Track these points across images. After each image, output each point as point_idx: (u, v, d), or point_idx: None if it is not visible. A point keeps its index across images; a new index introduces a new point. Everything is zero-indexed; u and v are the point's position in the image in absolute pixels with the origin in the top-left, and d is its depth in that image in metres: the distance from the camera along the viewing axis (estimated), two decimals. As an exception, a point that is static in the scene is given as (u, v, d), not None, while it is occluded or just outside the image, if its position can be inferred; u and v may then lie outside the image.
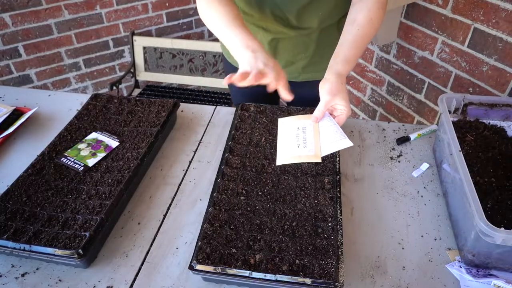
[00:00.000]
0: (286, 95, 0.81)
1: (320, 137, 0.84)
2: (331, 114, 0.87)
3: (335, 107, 0.83)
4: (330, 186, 0.80)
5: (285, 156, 0.84)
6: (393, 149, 1.00)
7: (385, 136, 1.04)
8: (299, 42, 1.02)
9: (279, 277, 0.64)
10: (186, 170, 0.94)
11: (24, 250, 0.68)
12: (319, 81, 1.12)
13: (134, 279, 0.71)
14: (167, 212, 0.84)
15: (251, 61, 0.77)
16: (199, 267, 0.66)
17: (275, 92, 1.26)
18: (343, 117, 0.83)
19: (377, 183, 0.90)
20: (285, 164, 0.84)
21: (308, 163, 0.85)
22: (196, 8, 2.37)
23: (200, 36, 2.51)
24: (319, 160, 0.81)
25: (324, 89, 0.81)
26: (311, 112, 0.99)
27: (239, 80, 0.74)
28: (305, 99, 1.18)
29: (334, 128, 0.84)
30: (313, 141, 0.84)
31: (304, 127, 0.87)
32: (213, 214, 0.74)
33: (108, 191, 0.79)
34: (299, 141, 0.85)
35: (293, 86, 1.17)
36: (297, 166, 0.85)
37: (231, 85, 1.26)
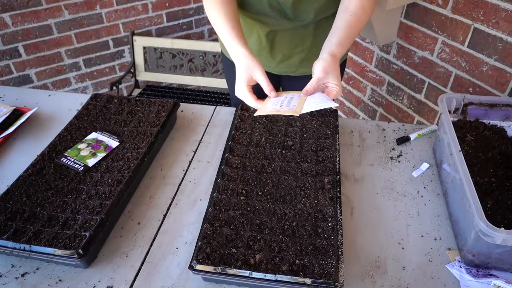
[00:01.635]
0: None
1: (305, 100, 0.83)
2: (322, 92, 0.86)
3: (327, 85, 0.84)
4: (330, 186, 0.80)
5: (265, 110, 0.84)
6: (393, 149, 1.00)
7: (385, 136, 1.04)
8: (296, 35, 1.03)
9: (279, 277, 0.64)
10: (186, 170, 0.94)
11: (24, 250, 0.68)
12: None
13: (134, 279, 0.71)
14: (167, 212, 0.84)
15: (243, 70, 0.85)
16: (199, 267, 0.66)
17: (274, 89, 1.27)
18: (334, 93, 0.83)
19: (377, 183, 0.90)
20: (292, 161, 0.84)
21: (308, 163, 0.85)
22: (196, 8, 2.38)
23: (200, 36, 2.51)
24: (297, 115, 0.80)
25: (318, 67, 0.82)
26: (315, 112, 1.00)
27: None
28: None
29: (321, 96, 0.83)
30: (296, 104, 0.83)
31: (291, 97, 0.86)
32: (213, 214, 0.74)
33: (108, 191, 0.79)
34: (283, 103, 0.84)
35: (289, 80, 1.18)
36: (297, 166, 0.85)
37: (230, 85, 1.27)
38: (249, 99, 0.85)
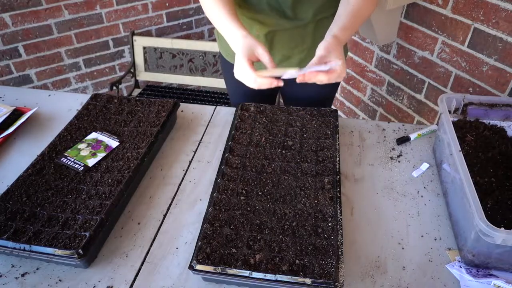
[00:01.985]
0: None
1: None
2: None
3: (330, 64, 0.80)
4: (330, 186, 0.80)
5: (266, 73, 0.81)
6: (393, 149, 1.00)
7: (385, 136, 1.04)
8: (295, 35, 1.03)
9: (279, 277, 0.64)
10: (186, 170, 0.94)
11: (24, 250, 0.68)
12: None
13: (134, 279, 0.71)
14: (167, 212, 0.84)
15: (245, 46, 0.82)
16: (199, 267, 0.66)
17: (273, 92, 1.27)
18: (338, 71, 0.79)
19: (377, 183, 0.90)
20: (292, 161, 0.84)
21: (308, 163, 0.85)
22: (196, 8, 2.38)
23: (200, 36, 2.51)
24: (298, 71, 0.78)
25: (320, 46, 0.82)
26: (315, 112, 1.00)
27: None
28: (302, 96, 1.18)
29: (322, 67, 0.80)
30: (295, 70, 0.81)
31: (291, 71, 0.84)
32: (213, 214, 0.74)
33: (108, 191, 0.79)
34: (281, 71, 0.82)
35: (289, 82, 1.18)
36: (297, 166, 0.85)
37: (229, 86, 1.26)
38: (251, 75, 0.79)
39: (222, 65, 1.25)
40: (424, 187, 0.89)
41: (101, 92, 2.12)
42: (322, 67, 0.79)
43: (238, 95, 1.23)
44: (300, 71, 0.80)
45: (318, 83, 0.81)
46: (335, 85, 1.21)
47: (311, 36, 1.04)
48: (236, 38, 0.84)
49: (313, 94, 1.16)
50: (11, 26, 1.93)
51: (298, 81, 0.80)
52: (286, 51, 1.07)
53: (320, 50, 0.81)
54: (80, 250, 0.67)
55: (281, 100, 1.37)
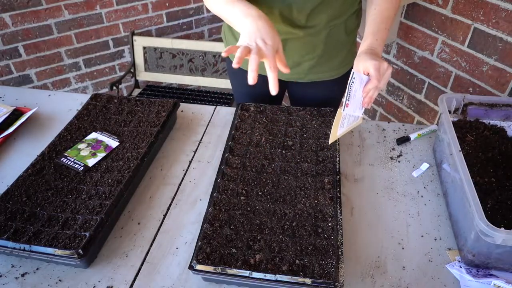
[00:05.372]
0: (273, 86, 0.73)
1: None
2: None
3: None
4: (330, 186, 0.80)
5: (335, 135, 0.84)
6: (393, 149, 1.00)
7: (385, 136, 1.04)
8: (307, 43, 1.02)
9: (279, 277, 0.64)
10: (186, 170, 0.94)
11: (24, 250, 0.68)
12: (324, 82, 1.11)
13: (134, 279, 0.71)
14: (167, 212, 0.84)
15: (251, 31, 0.75)
16: (199, 267, 0.66)
17: (279, 93, 1.26)
18: (373, 81, 0.78)
19: (377, 183, 0.90)
20: (292, 161, 0.85)
21: (308, 163, 0.85)
22: (196, 8, 2.38)
23: (200, 36, 2.51)
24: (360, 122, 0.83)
25: (370, 67, 0.78)
26: (315, 112, 1.00)
27: (239, 54, 0.70)
28: (309, 100, 1.17)
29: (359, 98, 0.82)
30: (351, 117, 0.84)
31: (348, 116, 0.84)
32: (213, 214, 0.74)
33: (108, 191, 0.79)
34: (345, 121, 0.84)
35: (298, 86, 1.17)
36: (297, 166, 0.85)
37: (234, 86, 1.26)
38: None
39: (228, 66, 1.24)
40: (424, 187, 0.89)
41: (101, 92, 2.12)
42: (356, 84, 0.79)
43: (244, 96, 1.21)
44: (360, 111, 0.83)
45: (376, 94, 0.80)
46: (343, 87, 1.20)
47: (323, 44, 1.02)
48: (249, 19, 0.77)
49: (318, 95, 1.16)
50: (11, 26, 1.93)
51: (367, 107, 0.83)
52: (297, 58, 1.05)
53: (373, 70, 0.77)
54: (80, 250, 0.67)
55: (283, 102, 1.36)
